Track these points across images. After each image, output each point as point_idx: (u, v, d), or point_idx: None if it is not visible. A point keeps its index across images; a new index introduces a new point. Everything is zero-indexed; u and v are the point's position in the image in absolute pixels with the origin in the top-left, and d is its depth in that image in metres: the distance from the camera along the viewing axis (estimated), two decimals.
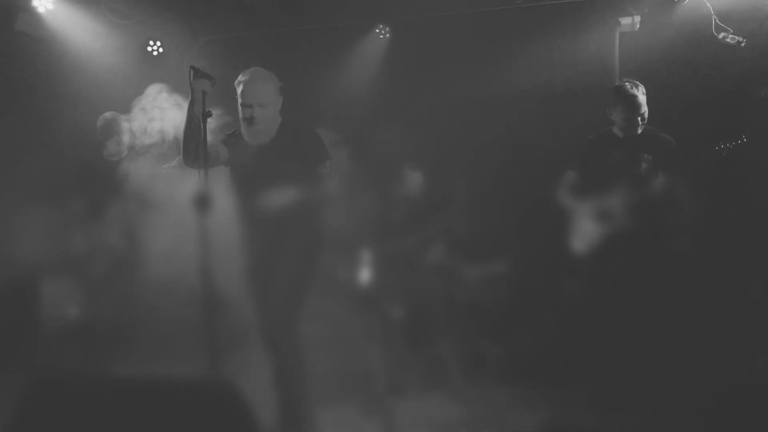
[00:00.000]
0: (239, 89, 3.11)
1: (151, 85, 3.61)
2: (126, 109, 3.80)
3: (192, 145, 2.92)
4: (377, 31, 4.93)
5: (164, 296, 3.24)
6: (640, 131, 3.55)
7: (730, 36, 4.20)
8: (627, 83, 3.54)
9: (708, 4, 4.24)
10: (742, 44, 4.18)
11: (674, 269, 3.48)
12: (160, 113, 3.50)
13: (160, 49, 4.87)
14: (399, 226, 3.98)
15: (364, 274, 3.70)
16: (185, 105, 2.99)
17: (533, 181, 4.07)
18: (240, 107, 3.12)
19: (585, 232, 3.59)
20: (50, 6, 4.29)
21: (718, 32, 4.23)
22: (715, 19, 4.23)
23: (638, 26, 4.49)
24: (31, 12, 4.27)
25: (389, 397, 3.52)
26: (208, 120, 2.82)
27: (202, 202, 2.46)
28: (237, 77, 3.12)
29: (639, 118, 3.51)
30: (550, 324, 3.87)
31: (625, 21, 4.50)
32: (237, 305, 3.02)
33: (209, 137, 2.89)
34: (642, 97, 3.51)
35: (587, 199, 3.61)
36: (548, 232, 3.78)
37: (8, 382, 2.24)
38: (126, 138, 3.99)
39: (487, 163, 4.34)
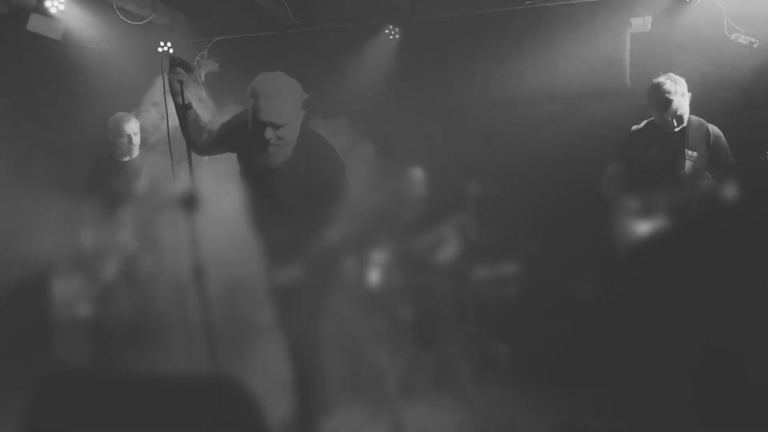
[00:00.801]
0: (253, 102, 2.66)
1: (158, 76, 3.59)
2: (137, 106, 3.81)
3: (188, 138, 2.79)
4: (387, 31, 4.92)
5: (176, 295, 3.25)
6: (677, 130, 3.48)
7: (743, 36, 4.17)
8: (668, 82, 3.43)
9: (720, 5, 4.22)
10: (755, 45, 4.15)
11: (690, 271, 3.44)
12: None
13: (171, 50, 4.88)
14: (409, 226, 3.97)
15: (374, 275, 3.70)
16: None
17: (544, 183, 4.06)
18: (251, 120, 2.69)
19: (622, 227, 3.52)
20: (62, 7, 4.32)
21: (731, 32, 4.20)
22: (727, 20, 4.21)
23: (650, 27, 4.46)
24: (43, 13, 4.30)
25: (398, 399, 3.52)
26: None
27: (189, 201, 2.28)
28: (249, 77, 2.73)
29: (674, 120, 3.44)
30: (561, 326, 3.84)
31: (637, 21, 4.47)
32: (249, 305, 3.02)
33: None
34: (679, 99, 3.40)
35: (626, 192, 3.54)
36: (559, 233, 3.76)
37: (20, 380, 2.25)
38: (137, 138, 4.00)
39: (498, 163, 4.33)
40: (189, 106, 2.75)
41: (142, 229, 3.68)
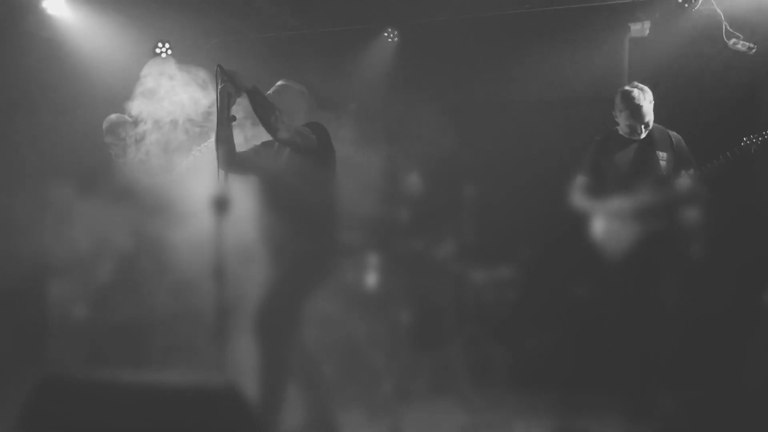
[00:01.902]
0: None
1: (146, 65, 3.57)
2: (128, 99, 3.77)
3: (222, 151, 2.92)
4: (386, 34, 4.92)
5: (174, 297, 3.23)
6: (642, 137, 3.53)
7: (741, 42, 4.18)
8: (635, 89, 3.50)
9: (719, 10, 4.22)
10: (753, 50, 4.16)
11: (686, 273, 3.45)
12: (169, 82, 3.41)
13: (169, 51, 4.87)
14: (407, 229, 3.97)
15: (372, 278, 3.69)
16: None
17: (542, 186, 4.06)
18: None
19: (598, 234, 3.56)
20: (60, 7, 4.30)
21: (729, 38, 4.21)
22: (725, 25, 4.21)
23: (648, 32, 4.47)
24: (40, 12, 4.29)
25: (396, 402, 3.51)
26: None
27: (221, 205, 2.41)
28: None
29: (643, 126, 3.50)
30: (558, 328, 3.84)
31: (635, 27, 4.48)
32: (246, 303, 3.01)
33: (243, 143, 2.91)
34: (648, 105, 3.49)
35: (601, 201, 3.58)
36: (557, 236, 3.76)
37: (15, 383, 2.23)
38: (132, 140, 3.99)
39: (496, 167, 4.33)
40: (233, 119, 2.89)
41: (138, 231, 3.66)
